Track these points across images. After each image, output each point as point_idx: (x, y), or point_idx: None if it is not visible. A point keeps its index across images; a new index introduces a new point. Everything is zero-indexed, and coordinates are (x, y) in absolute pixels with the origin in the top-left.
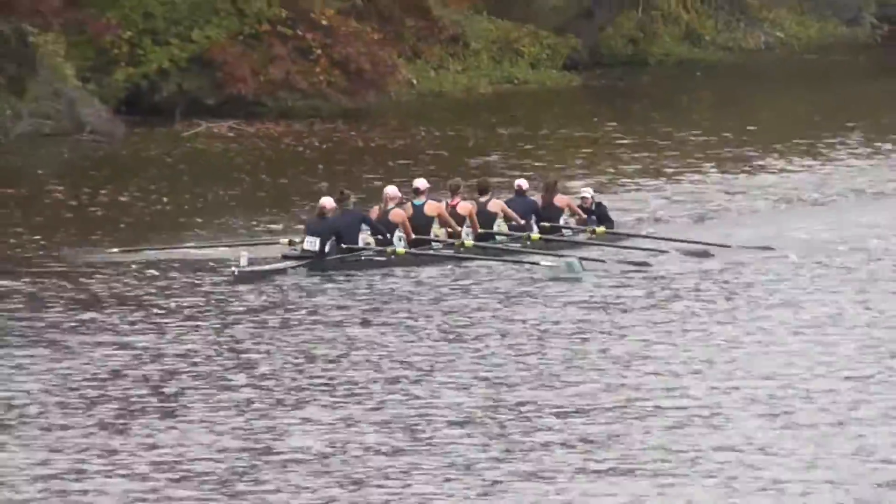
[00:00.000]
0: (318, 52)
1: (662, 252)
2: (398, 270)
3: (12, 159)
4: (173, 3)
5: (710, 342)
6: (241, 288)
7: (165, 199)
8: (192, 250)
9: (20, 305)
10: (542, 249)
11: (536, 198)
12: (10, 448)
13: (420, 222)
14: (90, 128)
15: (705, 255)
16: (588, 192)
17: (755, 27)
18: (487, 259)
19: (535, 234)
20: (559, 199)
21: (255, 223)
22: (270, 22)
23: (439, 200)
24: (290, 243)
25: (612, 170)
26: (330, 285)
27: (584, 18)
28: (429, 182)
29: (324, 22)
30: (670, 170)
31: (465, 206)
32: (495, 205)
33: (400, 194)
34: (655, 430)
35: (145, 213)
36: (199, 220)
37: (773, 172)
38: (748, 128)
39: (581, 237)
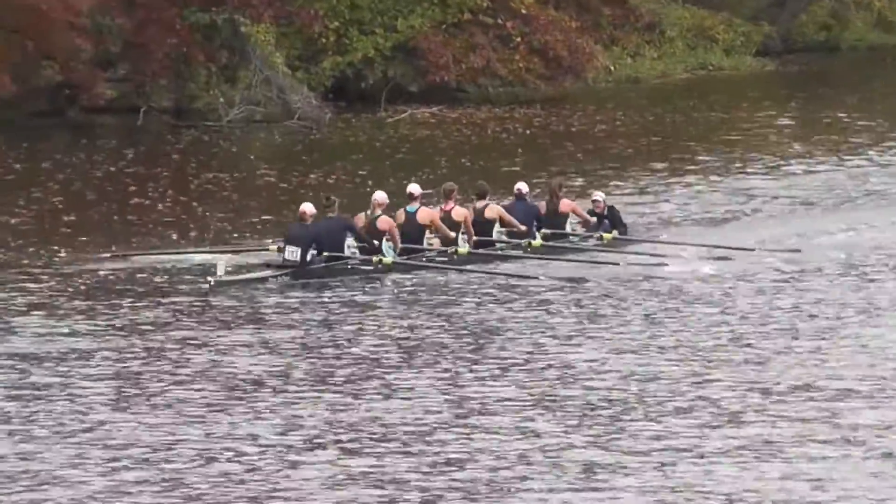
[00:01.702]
0: (518, 40)
1: (678, 256)
2: (386, 280)
3: (226, 145)
4: None
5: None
6: (218, 299)
7: (370, 183)
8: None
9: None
10: (544, 256)
11: (540, 203)
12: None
13: (412, 230)
14: (299, 114)
15: (724, 259)
16: (600, 196)
17: None
18: (483, 271)
19: (537, 241)
20: (564, 204)
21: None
22: (472, 11)
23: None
24: (279, 250)
25: (806, 153)
26: (311, 295)
27: (777, 6)
28: (526, 182)
29: (523, 11)
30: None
31: (459, 212)
32: (493, 210)
33: (388, 200)
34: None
35: (352, 196)
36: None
37: None
38: None
39: (588, 243)
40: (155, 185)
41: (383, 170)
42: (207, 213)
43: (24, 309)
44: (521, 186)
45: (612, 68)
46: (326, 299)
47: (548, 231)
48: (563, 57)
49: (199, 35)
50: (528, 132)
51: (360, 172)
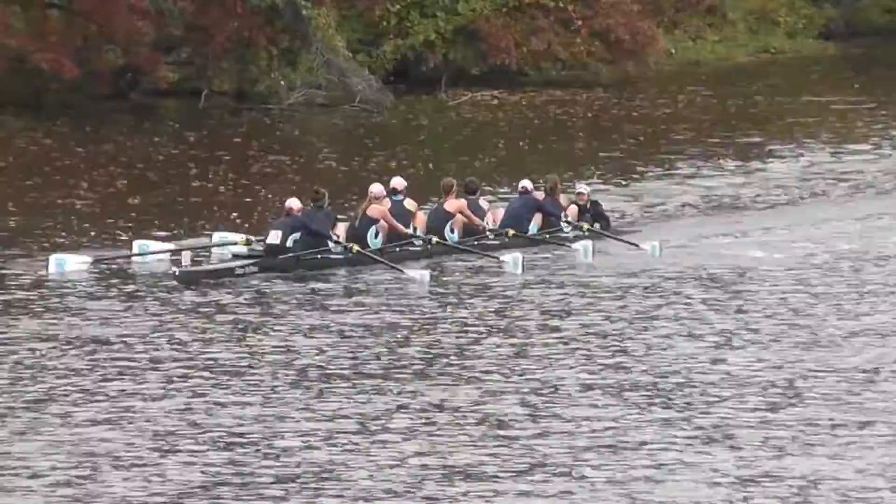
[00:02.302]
0: (580, 23)
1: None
2: (352, 270)
3: (287, 128)
4: None
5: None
6: (183, 289)
7: (431, 166)
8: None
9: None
10: (515, 247)
11: (539, 196)
12: None
13: (401, 221)
14: (360, 97)
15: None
16: (584, 189)
17: None
18: (445, 257)
19: (512, 231)
20: (562, 200)
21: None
22: None
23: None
24: (247, 242)
25: (868, 136)
26: (281, 285)
27: None
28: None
29: None
30: None
31: (453, 204)
32: (454, 205)
33: (384, 192)
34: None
35: (413, 179)
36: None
37: None
38: None
39: (572, 234)
40: (216, 169)
41: (444, 152)
42: (269, 196)
43: (91, 290)
44: (526, 184)
45: (674, 51)
46: (295, 288)
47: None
48: (624, 40)
49: (260, 18)
50: (589, 115)
51: (419, 154)
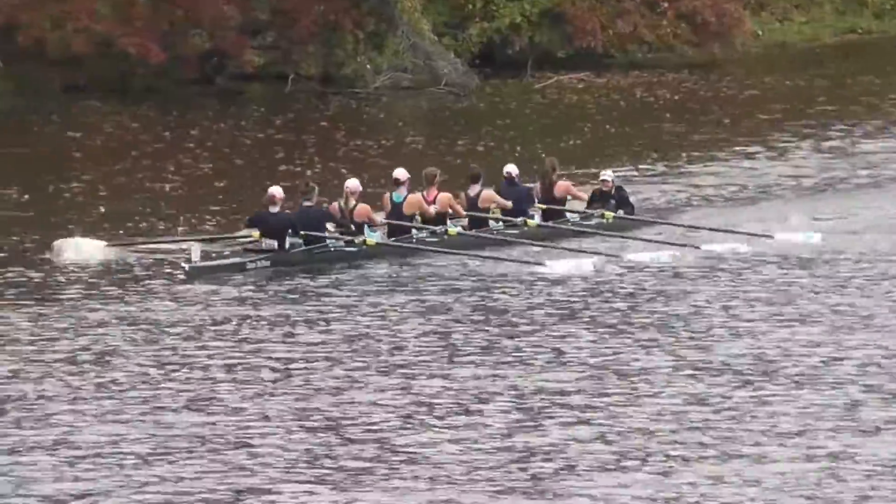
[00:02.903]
0: (666, 5)
1: (684, 242)
2: (372, 263)
3: (373, 111)
4: None
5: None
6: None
7: (518, 149)
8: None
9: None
10: (542, 240)
11: (534, 186)
12: None
13: (399, 219)
14: (446, 81)
15: (737, 243)
16: (608, 176)
17: None
18: (478, 255)
19: (533, 221)
20: (559, 187)
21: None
22: None
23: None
24: (262, 235)
25: None
26: (294, 280)
27: None
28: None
29: None
30: None
31: (443, 198)
32: (485, 198)
33: (360, 188)
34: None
35: (499, 162)
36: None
37: None
38: None
39: (591, 223)
40: (302, 152)
41: (530, 135)
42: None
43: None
44: (511, 169)
45: (760, 33)
46: (312, 284)
47: (542, 206)
48: (710, 22)
49: (346, 1)
50: (675, 98)
51: (506, 137)
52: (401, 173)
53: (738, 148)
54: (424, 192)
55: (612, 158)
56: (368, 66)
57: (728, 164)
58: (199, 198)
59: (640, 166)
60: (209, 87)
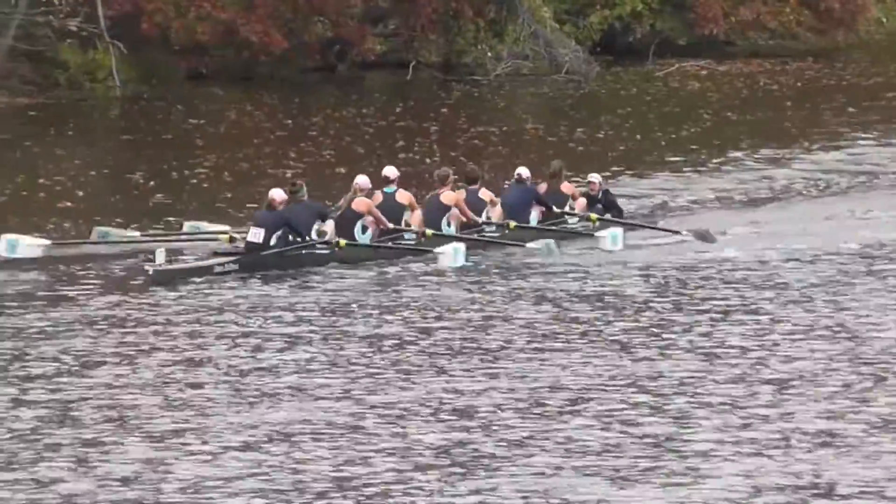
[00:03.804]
0: None
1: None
2: (343, 267)
3: (494, 99)
4: None
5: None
6: (159, 289)
7: (638, 136)
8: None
9: None
10: (523, 240)
11: (542, 185)
12: None
13: (391, 213)
14: (566, 68)
15: (705, 240)
16: (596, 178)
17: None
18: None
19: (513, 223)
20: (566, 187)
21: (714, 159)
22: None
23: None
24: (231, 240)
25: None
26: (263, 285)
27: None
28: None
29: None
30: None
31: (449, 196)
32: (485, 194)
33: (370, 185)
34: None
35: (618, 151)
36: (670, 155)
37: None
38: None
39: (580, 226)
40: (423, 140)
41: (651, 123)
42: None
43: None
44: (522, 171)
45: (885, 20)
46: (283, 287)
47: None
48: (834, 9)
49: None
50: (798, 85)
51: (627, 126)
52: (390, 171)
53: (863, 135)
54: (437, 192)
55: (731, 145)
56: (489, 54)
57: (851, 151)
58: (320, 185)
59: (761, 153)
60: (331, 74)
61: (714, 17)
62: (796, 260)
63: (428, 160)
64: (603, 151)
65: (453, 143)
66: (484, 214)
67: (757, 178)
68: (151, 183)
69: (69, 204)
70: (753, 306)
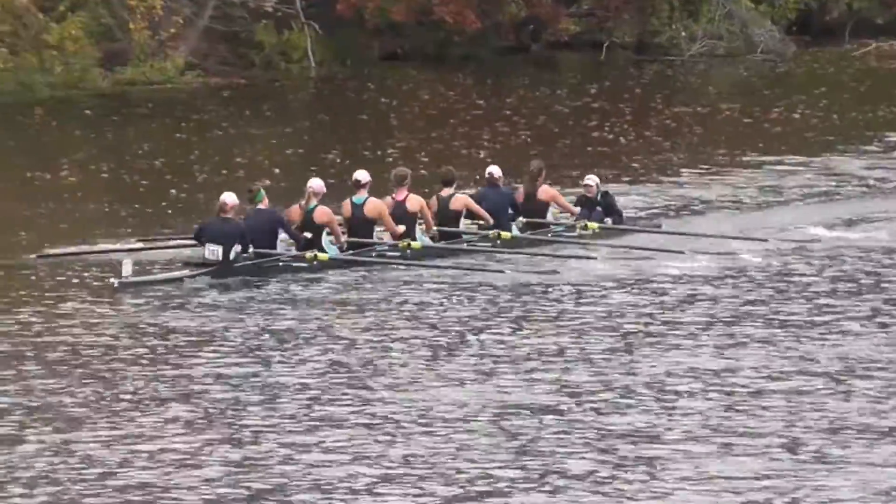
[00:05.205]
0: None
1: (676, 250)
2: (324, 279)
3: (688, 79)
4: None
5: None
6: (126, 301)
7: (835, 117)
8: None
9: None
10: (517, 250)
11: (517, 190)
12: None
13: (359, 224)
14: (762, 48)
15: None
16: (593, 181)
17: None
18: (441, 266)
19: (507, 233)
20: (543, 192)
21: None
22: None
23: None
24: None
25: None
26: (234, 296)
27: None
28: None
29: None
30: None
31: (415, 201)
32: (459, 200)
33: (325, 189)
34: None
35: (811, 129)
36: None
37: None
38: None
39: (573, 234)
40: (616, 120)
41: (846, 103)
42: (666, 146)
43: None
44: (494, 171)
45: None
46: (258, 299)
47: (522, 220)
48: None
49: None
50: None
51: (822, 106)
52: (362, 175)
53: None
54: (394, 195)
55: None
56: (683, 34)
57: None
58: (513, 166)
59: None
60: (524, 54)
61: None
62: None
63: (622, 140)
64: (797, 131)
65: (647, 124)
66: (462, 223)
67: None
68: (347, 162)
69: (268, 182)
70: None
